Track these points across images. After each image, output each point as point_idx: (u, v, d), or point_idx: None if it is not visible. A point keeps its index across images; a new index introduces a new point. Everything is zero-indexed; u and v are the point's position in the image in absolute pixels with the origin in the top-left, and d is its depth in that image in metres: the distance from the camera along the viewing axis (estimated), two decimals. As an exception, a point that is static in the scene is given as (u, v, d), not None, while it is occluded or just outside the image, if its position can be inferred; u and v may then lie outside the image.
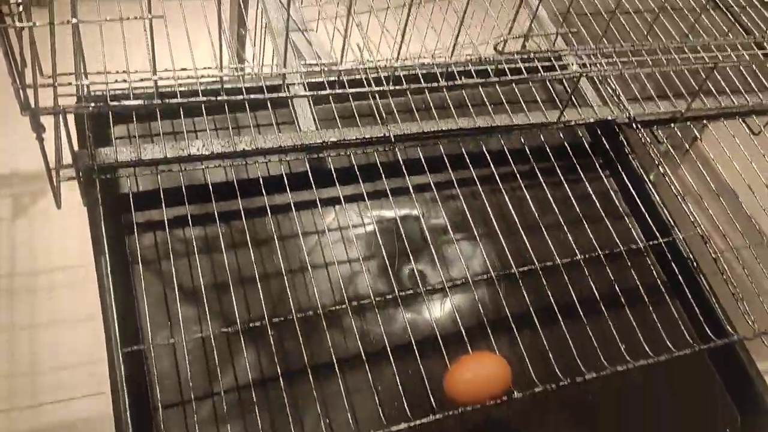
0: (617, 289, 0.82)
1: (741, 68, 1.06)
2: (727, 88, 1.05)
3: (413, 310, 0.83)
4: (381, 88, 0.79)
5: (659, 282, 0.85)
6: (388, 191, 0.86)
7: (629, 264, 0.84)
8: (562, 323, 0.78)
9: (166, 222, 0.78)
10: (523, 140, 0.93)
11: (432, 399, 0.72)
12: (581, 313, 0.78)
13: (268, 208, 0.82)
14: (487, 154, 0.89)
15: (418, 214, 0.89)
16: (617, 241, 0.86)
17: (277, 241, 0.83)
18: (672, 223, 0.90)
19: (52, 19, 0.64)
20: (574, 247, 0.84)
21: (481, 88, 0.97)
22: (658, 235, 0.89)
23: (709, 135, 1.06)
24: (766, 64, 1.05)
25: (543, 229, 0.85)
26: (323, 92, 0.77)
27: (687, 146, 1.06)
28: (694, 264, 0.87)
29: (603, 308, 0.80)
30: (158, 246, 0.81)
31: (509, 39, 0.80)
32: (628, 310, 0.80)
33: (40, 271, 1.62)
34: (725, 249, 0.87)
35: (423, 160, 0.88)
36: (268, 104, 0.90)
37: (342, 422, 0.74)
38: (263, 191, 0.82)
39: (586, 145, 0.97)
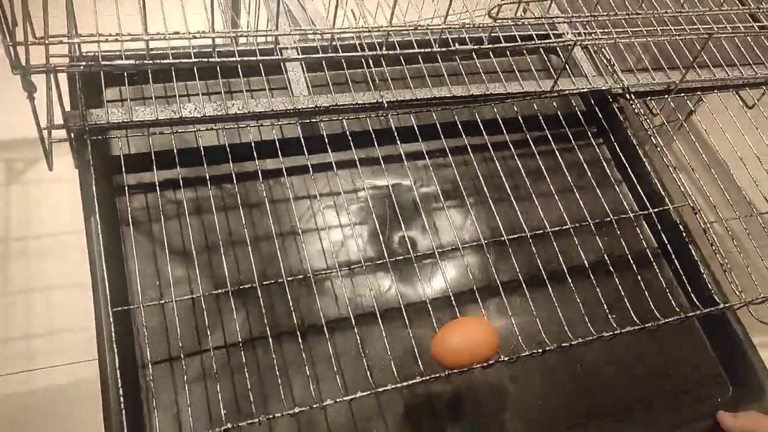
0: (606, 257, 0.82)
1: (736, 40, 1.06)
2: (721, 60, 1.04)
3: (403, 275, 0.83)
4: (374, 53, 0.79)
5: (648, 252, 0.86)
6: (381, 158, 0.86)
7: (619, 233, 0.84)
8: (550, 290, 0.78)
9: (157, 184, 0.78)
10: (516, 109, 0.93)
11: (420, 362, 0.73)
12: (570, 281, 0.79)
13: (259, 172, 0.82)
14: (480, 123, 0.89)
15: (409, 181, 0.89)
16: (608, 210, 0.86)
17: (268, 205, 0.83)
18: (663, 194, 0.90)
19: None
20: (564, 216, 0.84)
21: (475, 58, 0.97)
22: (648, 205, 0.89)
23: (704, 109, 1.06)
24: (760, 36, 1.05)
25: (534, 197, 0.86)
26: (316, 56, 0.77)
27: (682, 120, 1.06)
28: (684, 234, 0.87)
29: (592, 276, 0.80)
30: (149, 208, 0.81)
31: (503, 5, 0.80)
32: (616, 278, 0.81)
33: (35, 237, 1.62)
34: (715, 220, 0.87)
35: (416, 128, 0.88)
36: (261, 70, 0.89)
37: (331, 384, 0.75)
38: (255, 155, 0.82)
39: (580, 115, 0.97)
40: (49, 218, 1.64)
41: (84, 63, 0.67)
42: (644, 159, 0.94)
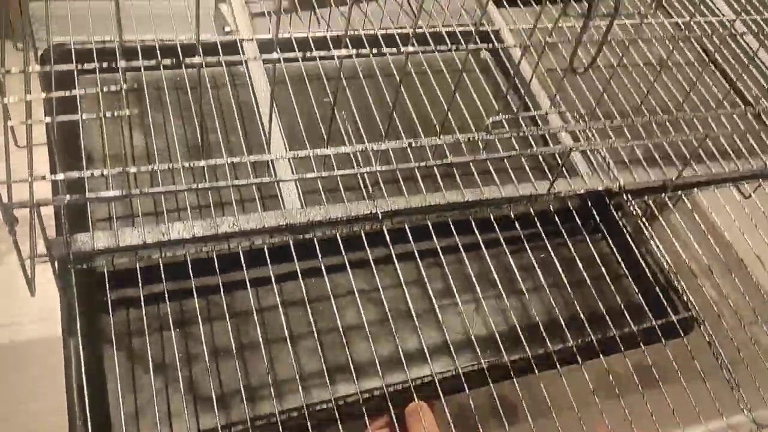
0: (610, 377, 0.79)
1: (733, 135, 1.05)
2: (716, 152, 1.03)
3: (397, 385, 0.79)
4: (369, 169, 0.77)
5: (653, 369, 0.83)
6: (372, 261, 0.84)
7: (622, 347, 0.82)
8: (552, 411, 0.76)
9: (142, 300, 0.76)
10: (513, 214, 0.91)
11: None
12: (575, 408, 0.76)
13: (248, 281, 0.80)
14: (474, 224, 0.88)
15: (401, 283, 0.86)
16: (610, 323, 0.84)
17: (256, 316, 0.80)
18: (665, 304, 0.88)
19: (29, 113, 0.62)
20: (560, 318, 0.83)
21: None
22: (650, 315, 0.87)
23: (701, 201, 1.04)
24: (761, 133, 1.04)
25: (527, 295, 0.85)
26: (311, 175, 0.74)
27: (675, 214, 1.04)
28: (689, 348, 0.85)
29: (594, 394, 0.78)
30: (132, 325, 0.78)
31: (501, 118, 0.78)
32: (620, 397, 0.78)
33: (20, 323, 1.58)
34: (719, 329, 0.85)
35: (408, 231, 0.86)
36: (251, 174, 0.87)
37: None
38: (244, 267, 0.80)
39: (575, 214, 0.95)
40: (35, 304, 1.60)
41: (69, 197, 0.64)
42: (642, 261, 0.92)
